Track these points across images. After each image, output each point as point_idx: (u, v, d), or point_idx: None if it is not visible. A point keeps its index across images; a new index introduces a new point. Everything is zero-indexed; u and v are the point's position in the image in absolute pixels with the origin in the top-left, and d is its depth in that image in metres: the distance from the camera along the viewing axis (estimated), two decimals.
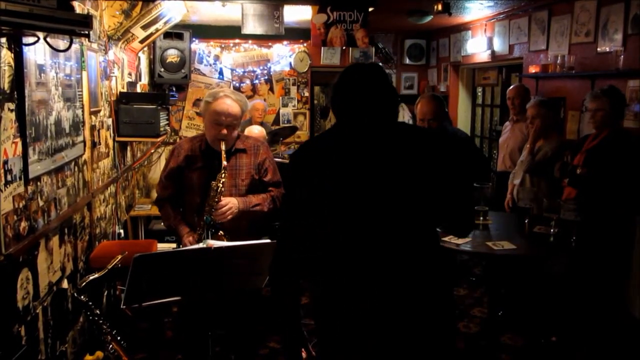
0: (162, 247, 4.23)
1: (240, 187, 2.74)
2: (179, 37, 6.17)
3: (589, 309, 3.30)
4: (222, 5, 4.89)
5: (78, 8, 3.15)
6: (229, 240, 2.54)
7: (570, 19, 4.50)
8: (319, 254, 1.82)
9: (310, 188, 1.79)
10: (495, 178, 4.92)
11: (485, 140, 6.80)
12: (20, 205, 2.38)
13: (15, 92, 2.35)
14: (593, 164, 3.36)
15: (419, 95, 5.54)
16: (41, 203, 2.63)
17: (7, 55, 2.27)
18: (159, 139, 4.91)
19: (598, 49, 4.17)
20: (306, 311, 2.01)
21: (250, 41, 7.05)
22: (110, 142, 4.19)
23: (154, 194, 4.40)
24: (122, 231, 4.46)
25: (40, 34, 2.34)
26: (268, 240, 2.31)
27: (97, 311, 2.50)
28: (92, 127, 3.64)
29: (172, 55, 6.16)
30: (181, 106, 7.10)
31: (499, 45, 5.78)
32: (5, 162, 2.22)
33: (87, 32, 2.47)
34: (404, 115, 7.07)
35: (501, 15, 5.63)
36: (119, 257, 2.47)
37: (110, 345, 2.47)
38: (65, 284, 2.92)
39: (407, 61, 7.65)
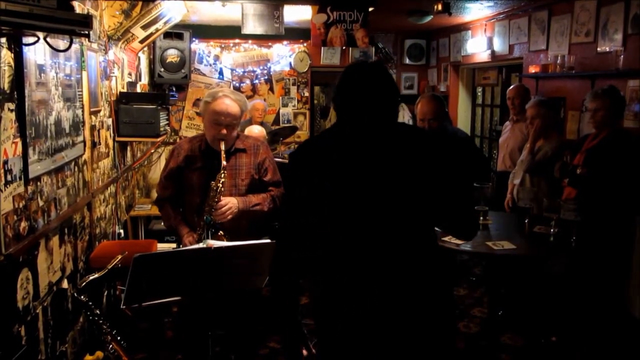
0: (162, 247, 4.23)
1: (240, 186, 2.73)
2: (179, 37, 6.17)
3: (588, 309, 3.30)
4: (222, 5, 4.89)
5: (78, 8, 3.15)
6: (229, 240, 2.54)
7: (570, 19, 4.50)
8: (319, 253, 1.82)
9: (310, 187, 1.79)
10: (495, 178, 4.93)
11: (485, 140, 6.80)
12: (20, 205, 2.38)
13: (15, 92, 2.35)
14: (593, 164, 3.36)
15: (419, 95, 5.53)
16: (41, 203, 2.63)
17: (7, 55, 2.27)
18: (159, 139, 4.91)
19: (598, 49, 4.17)
20: (306, 311, 2.01)
21: (250, 41, 7.05)
22: (110, 142, 4.19)
23: (154, 194, 4.40)
24: (122, 231, 4.46)
25: (40, 34, 2.34)
26: (268, 240, 2.31)
27: (97, 311, 2.50)
28: (92, 127, 3.64)
29: (172, 55, 6.16)
30: (181, 106, 7.10)
31: (499, 45, 5.78)
32: (5, 162, 2.23)
33: (87, 32, 2.47)
34: (404, 115, 7.06)
35: (501, 15, 5.63)
36: (119, 257, 2.47)
37: (110, 345, 2.47)
38: (65, 284, 2.92)
39: (407, 61, 7.65)
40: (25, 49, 2.37)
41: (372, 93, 1.78)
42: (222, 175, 2.60)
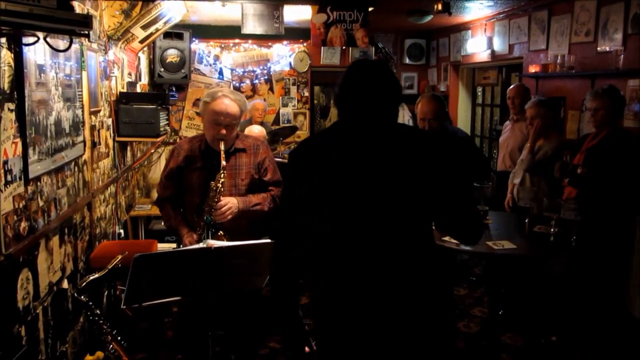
0: (162, 247, 4.23)
1: (240, 186, 2.73)
2: (179, 37, 6.17)
3: (589, 309, 3.30)
4: (222, 5, 4.89)
5: (78, 8, 3.15)
6: (229, 240, 2.54)
7: (570, 19, 4.50)
8: (319, 252, 1.82)
9: (310, 185, 1.78)
10: (495, 178, 4.93)
11: (485, 140, 6.80)
12: (20, 205, 2.38)
13: (15, 92, 2.35)
14: (593, 164, 3.36)
15: (419, 95, 5.54)
16: (41, 203, 2.63)
17: (7, 55, 2.27)
18: (159, 139, 4.91)
19: (598, 49, 4.17)
20: (306, 311, 2.01)
21: (250, 41, 7.05)
22: (110, 142, 4.20)
23: (154, 194, 4.40)
24: (122, 231, 4.46)
25: (40, 34, 2.34)
26: (268, 240, 2.31)
27: (97, 311, 2.50)
28: (92, 127, 3.64)
29: (172, 55, 6.16)
30: (181, 106, 7.10)
31: (499, 45, 5.78)
32: (5, 162, 2.22)
33: (87, 32, 2.47)
34: (404, 115, 7.06)
35: (501, 15, 5.63)
36: (119, 257, 2.47)
37: (111, 345, 2.47)
38: (65, 284, 2.92)
39: (407, 61, 7.65)
40: (25, 49, 2.37)
41: (375, 91, 1.77)
42: (222, 175, 2.60)
